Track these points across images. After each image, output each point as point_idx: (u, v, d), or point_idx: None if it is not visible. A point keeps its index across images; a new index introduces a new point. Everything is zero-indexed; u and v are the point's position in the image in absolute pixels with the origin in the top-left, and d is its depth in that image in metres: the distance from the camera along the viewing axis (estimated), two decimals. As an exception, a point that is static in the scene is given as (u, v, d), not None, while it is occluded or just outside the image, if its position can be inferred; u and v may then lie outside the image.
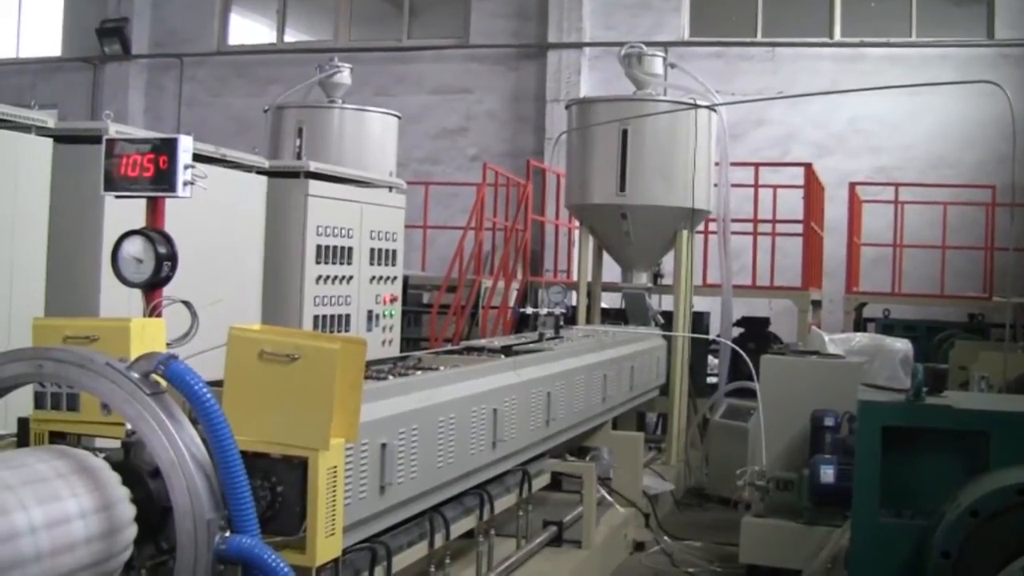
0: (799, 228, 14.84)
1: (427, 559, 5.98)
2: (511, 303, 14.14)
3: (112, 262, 4.82)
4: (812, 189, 15.12)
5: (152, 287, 4.72)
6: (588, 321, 12.33)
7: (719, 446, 11.47)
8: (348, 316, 8.82)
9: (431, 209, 17.08)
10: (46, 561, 3.14)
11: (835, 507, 7.95)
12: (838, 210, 16.77)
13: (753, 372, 9.58)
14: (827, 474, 7.97)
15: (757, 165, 15.24)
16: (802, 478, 8.36)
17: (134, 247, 4.79)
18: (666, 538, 9.61)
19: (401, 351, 9.51)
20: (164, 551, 3.66)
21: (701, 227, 13.35)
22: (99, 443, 3.97)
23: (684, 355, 12.07)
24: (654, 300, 13.01)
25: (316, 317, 8.39)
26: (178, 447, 3.41)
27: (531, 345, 8.37)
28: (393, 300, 9.51)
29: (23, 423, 4.19)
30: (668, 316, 12.54)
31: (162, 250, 4.75)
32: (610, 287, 13.37)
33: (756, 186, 14.98)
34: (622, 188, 11.72)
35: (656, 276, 13.20)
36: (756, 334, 13.93)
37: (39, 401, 4.07)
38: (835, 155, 18.76)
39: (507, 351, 7.75)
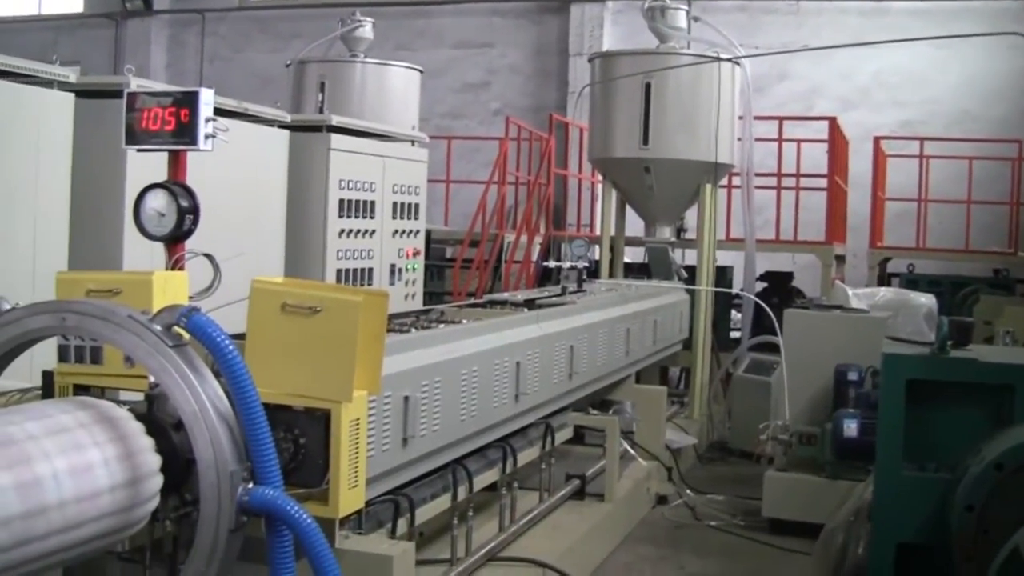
0: (823, 182, 14.75)
1: (450, 511, 5.99)
2: (534, 257, 14.11)
3: (134, 216, 4.82)
4: (836, 143, 15.01)
5: (174, 240, 4.72)
6: (611, 275, 12.30)
7: (742, 400, 11.45)
8: (371, 270, 8.82)
9: (453, 164, 17.02)
10: (70, 508, 3.16)
11: (858, 461, 7.96)
12: (862, 164, 16.66)
13: (776, 326, 9.56)
14: (850, 428, 7.96)
15: (781, 119, 15.12)
16: (825, 432, 8.36)
17: (156, 201, 4.80)
18: (689, 492, 9.62)
19: (424, 305, 9.50)
20: (188, 502, 3.68)
21: (724, 181, 13.29)
22: (122, 396, 3.99)
23: (707, 309, 12.04)
24: (677, 254, 12.98)
25: (339, 271, 8.39)
26: (201, 399, 3.41)
27: (554, 299, 8.37)
28: (416, 254, 9.50)
29: (47, 376, 4.21)
30: (691, 270, 12.51)
31: (184, 203, 4.75)
32: (633, 241, 13.32)
33: (780, 140, 14.88)
34: (645, 142, 11.67)
35: (679, 230, 13.16)
36: (779, 289, 13.88)
37: (63, 354, 4.09)
38: (859, 109, 18.63)
39: (530, 304, 7.75)
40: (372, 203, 8.84)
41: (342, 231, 8.43)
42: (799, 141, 15.27)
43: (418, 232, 9.60)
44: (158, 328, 3.47)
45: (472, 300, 8.80)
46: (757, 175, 13.16)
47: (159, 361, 3.44)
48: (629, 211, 13.05)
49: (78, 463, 3.24)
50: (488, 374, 6.11)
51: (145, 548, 3.85)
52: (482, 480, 6.36)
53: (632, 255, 14.08)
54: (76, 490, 3.19)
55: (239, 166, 7.20)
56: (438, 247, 14.76)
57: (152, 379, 3.75)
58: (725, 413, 12.11)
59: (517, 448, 6.78)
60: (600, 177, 13.57)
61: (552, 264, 10.21)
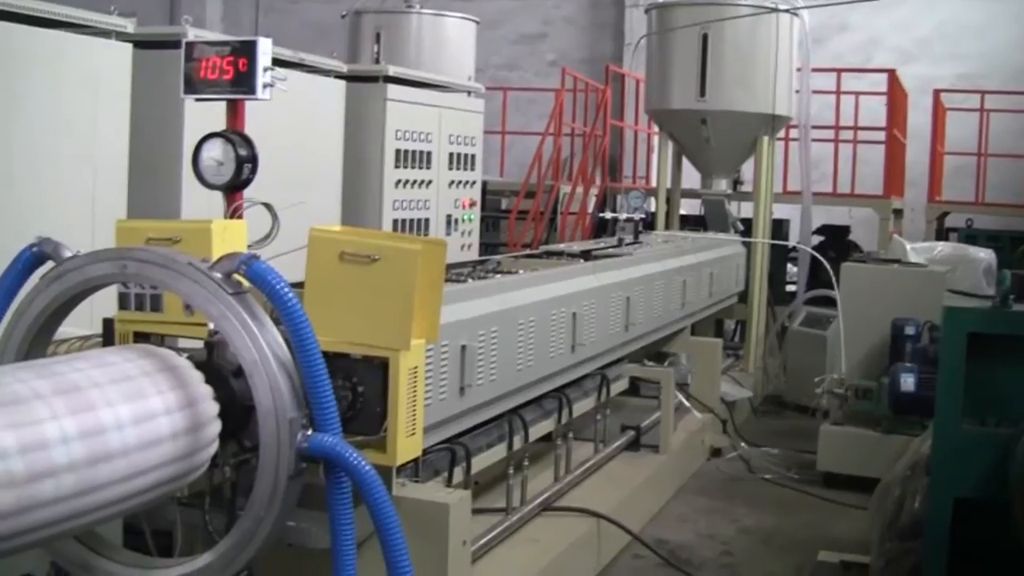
0: (881, 136, 14.59)
1: (505, 461, 6.01)
2: (589, 209, 14.08)
3: (193, 165, 4.84)
4: (895, 96, 14.86)
5: (233, 189, 4.73)
6: (667, 227, 12.26)
7: (797, 354, 11.41)
8: (427, 220, 8.82)
9: (509, 115, 16.98)
10: (134, 455, 3.19)
11: (914, 416, 7.93)
12: (921, 118, 16.49)
13: (833, 280, 9.51)
14: (907, 382, 7.92)
15: (839, 71, 14.97)
16: (881, 386, 8.32)
17: (215, 149, 4.81)
18: (743, 444, 9.61)
19: (479, 256, 9.50)
20: (247, 449, 3.71)
21: (781, 134, 13.18)
22: (182, 343, 4.02)
23: (763, 262, 11.98)
24: (733, 207, 12.92)
25: (395, 221, 8.40)
26: (260, 346, 3.43)
27: (610, 250, 8.35)
28: (472, 205, 9.49)
29: (108, 324, 4.24)
30: (747, 223, 12.44)
31: (242, 152, 4.75)
32: (689, 193, 13.26)
33: (838, 92, 14.74)
34: (702, 93, 11.60)
35: (736, 183, 13.09)
36: (836, 242, 13.78)
37: (123, 302, 4.11)
38: (919, 61, 18.39)
39: (586, 255, 7.74)
40: (428, 153, 8.82)
41: (398, 181, 8.42)
42: (857, 93, 15.13)
43: (474, 183, 9.58)
44: (218, 276, 3.48)
45: (528, 251, 8.79)
46: (814, 128, 13.07)
47: (219, 308, 3.46)
48: (685, 163, 12.98)
49: (141, 411, 3.27)
50: (545, 324, 6.12)
51: (205, 494, 3.88)
52: (538, 430, 6.38)
53: (688, 207, 14.01)
54: (139, 437, 3.22)
55: (295, 116, 7.20)
56: (493, 198, 14.73)
57: (212, 327, 3.77)
58: (780, 366, 12.07)
59: (573, 399, 6.79)
60: (656, 129, 13.51)
61: (608, 215, 10.18)
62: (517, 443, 6.05)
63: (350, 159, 8.19)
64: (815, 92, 13.03)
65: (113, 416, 3.17)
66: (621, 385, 7.92)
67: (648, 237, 10.01)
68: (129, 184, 6.32)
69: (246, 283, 3.53)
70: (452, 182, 9.16)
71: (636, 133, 17.00)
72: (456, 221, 9.23)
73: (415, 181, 8.65)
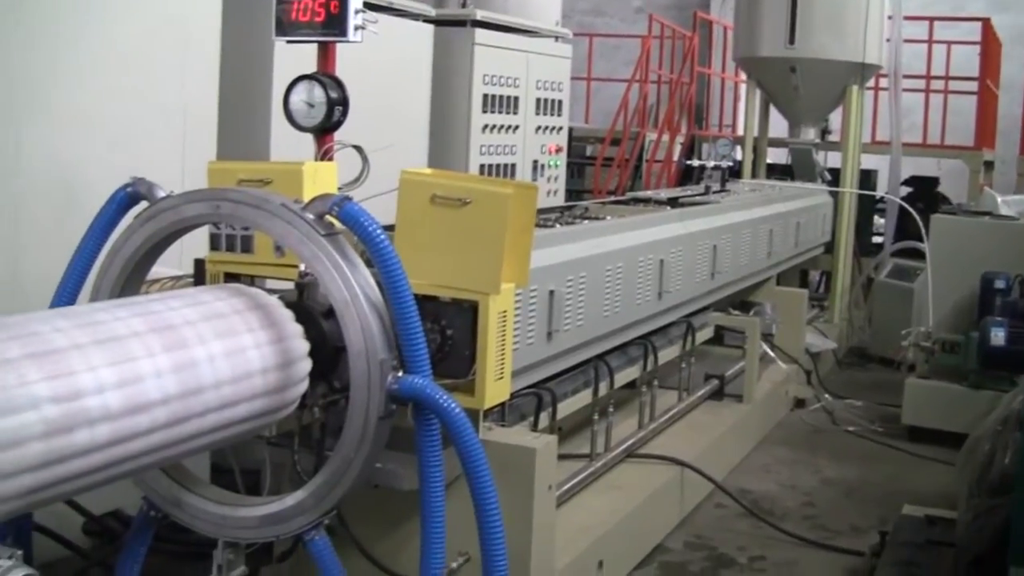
0: (973, 86, 14.36)
1: (591, 407, 6.01)
2: (675, 157, 13.99)
3: (284, 107, 4.84)
4: (988, 45, 14.60)
5: (323, 131, 4.73)
6: (753, 176, 12.14)
7: (883, 306, 11.31)
8: (513, 166, 8.78)
9: (594, 62, 16.88)
10: (225, 388, 3.24)
11: (1003, 370, 7.83)
12: (1014, 68, 16.22)
13: (922, 232, 9.39)
14: (997, 336, 7.82)
15: (931, 19, 14.75)
16: (970, 340, 8.22)
17: (306, 92, 4.81)
18: (827, 396, 9.55)
19: (565, 202, 9.47)
20: (336, 390, 3.73)
21: (871, 83, 12.99)
22: (269, 285, 4.04)
23: (850, 213, 11.84)
24: (820, 156, 12.78)
25: (482, 166, 8.37)
26: (352, 287, 3.44)
27: (697, 198, 8.30)
28: (558, 150, 9.44)
29: (199, 264, 4.28)
30: (835, 173, 12.30)
31: (334, 95, 4.75)
32: (776, 142, 13.11)
33: (930, 41, 14.53)
34: (791, 41, 11.43)
35: (824, 132, 12.95)
36: (924, 194, 13.58)
37: (214, 243, 4.15)
38: (1012, 11, 18.04)
39: (673, 203, 7.70)
40: (516, 99, 8.78)
41: (485, 126, 8.40)
42: (949, 43, 14.90)
43: (561, 129, 9.53)
44: (311, 217, 3.49)
45: (614, 198, 8.74)
46: (905, 77, 12.87)
47: (311, 249, 3.47)
48: (773, 111, 12.84)
49: (232, 346, 3.31)
50: (632, 271, 6.10)
51: (293, 434, 3.91)
52: (623, 377, 6.37)
53: (775, 156, 13.88)
54: (230, 371, 3.27)
55: (384, 60, 7.18)
56: (578, 145, 14.69)
57: (302, 268, 3.79)
58: (865, 318, 11.98)
59: (658, 346, 6.76)
60: (744, 77, 13.37)
61: (695, 163, 10.10)
62: (602, 389, 6.04)
63: (437, 104, 8.17)
64: (906, 41, 12.83)
65: (205, 351, 3.21)
66: (706, 334, 7.88)
67: (735, 185, 9.93)
68: (218, 126, 6.35)
69: (338, 224, 3.54)
70: (539, 128, 9.11)
71: (723, 81, 16.85)
72: (542, 167, 9.19)
73: (502, 126, 8.61)
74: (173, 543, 5.49)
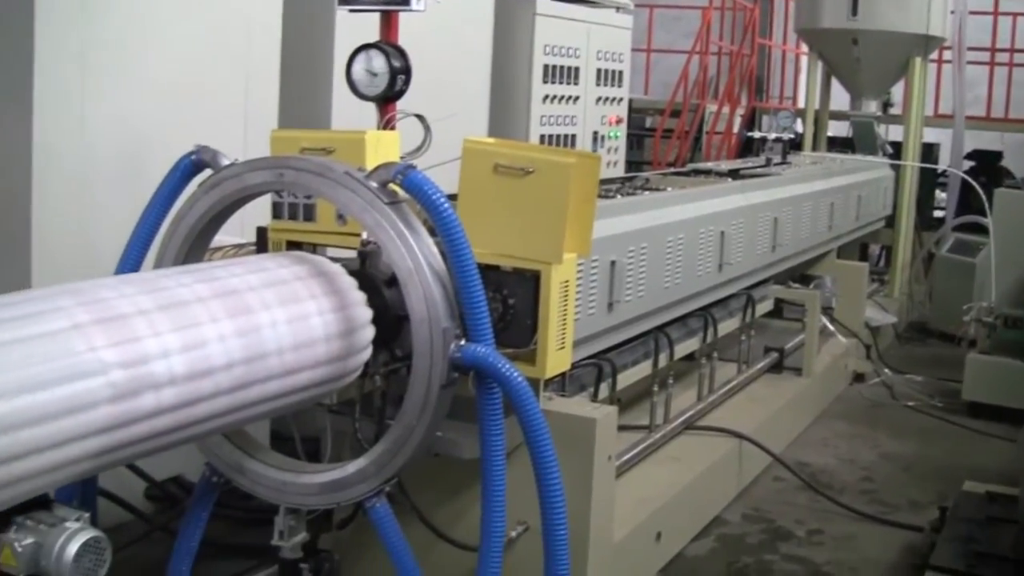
0: (1040, 58, 14.20)
1: (650, 378, 6.00)
2: (735, 129, 13.91)
3: (346, 75, 4.85)
4: (1055, 17, 14.43)
5: (386, 100, 4.74)
6: (814, 148, 12.04)
7: (944, 280, 11.20)
8: (573, 136, 8.76)
9: (654, 33, 16.79)
10: (288, 355, 3.25)
11: (1068, 346, 7.76)
12: (1083, 40, 15.98)
13: (986, 206, 9.29)
14: (1061, 312, 7.74)
15: (997, -10, 14.58)
16: (1033, 316, 8.15)
17: (369, 61, 4.81)
18: (887, 370, 9.48)
19: (624, 173, 9.44)
20: (398, 358, 3.75)
21: (935, 55, 12.85)
22: (329, 253, 4.06)
23: (912, 186, 11.73)
24: (882, 129, 12.65)
25: (542, 136, 8.36)
26: (416, 256, 3.44)
27: (759, 170, 8.25)
28: (618, 122, 9.40)
29: (261, 232, 4.31)
30: (896, 146, 12.18)
31: (396, 64, 4.76)
32: (838, 115, 12.99)
33: (995, 13, 14.35)
34: (854, 12, 11.29)
35: (885, 105, 12.81)
36: (987, 168, 13.41)
37: (276, 211, 4.17)
38: (1081, -20, 17.79)
39: (734, 175, 7.66)
40: (576, 69, 8.75)
41: (546, 97, 8.37)
42: (1015, 14, 14.69)
43: (621, 100, 9.49)
44: (374, 185, 3.50)
45: (675, 169, 8.70)
46: (969, 49, 12.71)
47: (375, 217, 3.48)
48: (835, 84, 12.72)
49: (295, 313, 3.33)
50: (693, 242, 6.07)
51: (354, 402, 3.92)
52: (683, 348, 6.36)
53: (836, 129, 13.77)
54: (294, 338, 3.28)
55: (445, 29, 7.18)
56: (638, 116, 14.63)
57: (364, 236, 3.80)
58: (926, 293, 11.87)
59: (718, 318, 6.74)
60: (805, 48, 13.27)
61: (757, 135, 10.03)
62: (662, 361, 6.03)
63: (498, 74, 8.16)
64: (971, 12, 12.68)
65: (269, 317, 3.23)
66: (766, 306, 7.85)
67: (796, 158, 9.87)
68: (280, 96, 6.37)
69: (401, 193, 3.54)
70: (599, 98, 9.08)
71: (784, 53, 16.72)
72: (602, 138, 9.16)
73: (562, 97, 8.59)
74: (234, 509, 5.56)
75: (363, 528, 4.39)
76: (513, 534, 4.28)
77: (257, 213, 4.17)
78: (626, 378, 5.67)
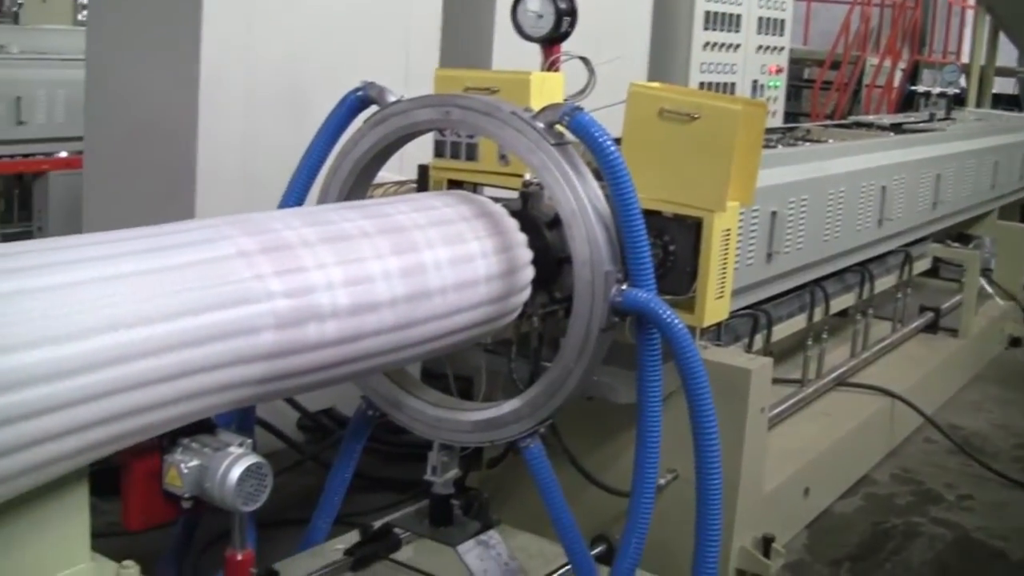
0: None
1: (805, 332, 5.94)
2: (896, 82, 13.63)
3: (512, 16, 4.82)
4: None
5: (551, 42, 4.70)
6: (978, 105, 11.74)
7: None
8: (733, 85, 8.66)
9: (816, -18, 16.53)
10: (451, 294, 3.26)
11: None
12: None
13: None
14: None
15: None
16: None
17: (534, 2, 4.78)
18: (1045, 335, 9.26)
19: (783, 124, 9.32)
20: (556, 300, 3.74)
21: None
22: (487, 193, 4.06)
23: (1080, 147, 11.38)
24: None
25: (701, 84, 8.28)
26: (580, 198, 3.42)
27: (922, 124, 8.08)
28: (779, 71, 9.27)
29: (423, 170, 4.32)
30: (1065, 104, 11.85)
31: (562, 5, 4.70)
32: (1004, 71, 12.66)
33: None
34: (1026, -37, 10.99)
35: (1056, 62, 12.47)
36: None
37: (439, 149, 4.18)
38: None
39: (897, 129, 7.50)
40: (738, 16, 8.64)
41: (706, 44, 8.28)
42: None
43: (782, 49, 9.35)
44: (541, 126, 3.48)
45: (835, 121, 8.56)
46: None
47: (540, 158, 3.46)
48: (1002, 39, 12.38)
49: (459, 253, 3.34)
50: (854, 196, 5.97)
51: (511, 342, 3.93)
52: (838, 304, 6.28)
53: (1001, 86, 13.41)
54: (457, 278, 3.29)
55: (606, -28, 7.13)
56: (796, 67, 14.41)
57: (527, 177, 3.79)
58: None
59: (875, 274, 6.63)
60: (971, 1, 12.93)
61: (920, 89, 9.82)
62: (817, 315, 5.96)
63: (659, 19, 8.08)
64: None
65: (433, 257, 3.24)
66: (923, 265, 7.70)
67: (960, 114, 9.63)
68: (442, 35, 6.39)
69: (567, 134, 3.52)
70: (760, 47, 8.96)
71: (949, 5, 16.31)
72: (761, 87, 9.04)
73: (723, 44, 8.49)
74: (381, 443, 5.64)
75: (509, 469, 4.42)
76: (662, 481, 4.27)
77: (416, 151, 4.18)
78: (780, 331, 5.61)
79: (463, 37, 6.55)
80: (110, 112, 5.70)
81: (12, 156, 8.88)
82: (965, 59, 13.09)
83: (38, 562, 2.59)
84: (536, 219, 3.70)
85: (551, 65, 4.60)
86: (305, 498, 4.54)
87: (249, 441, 2.84)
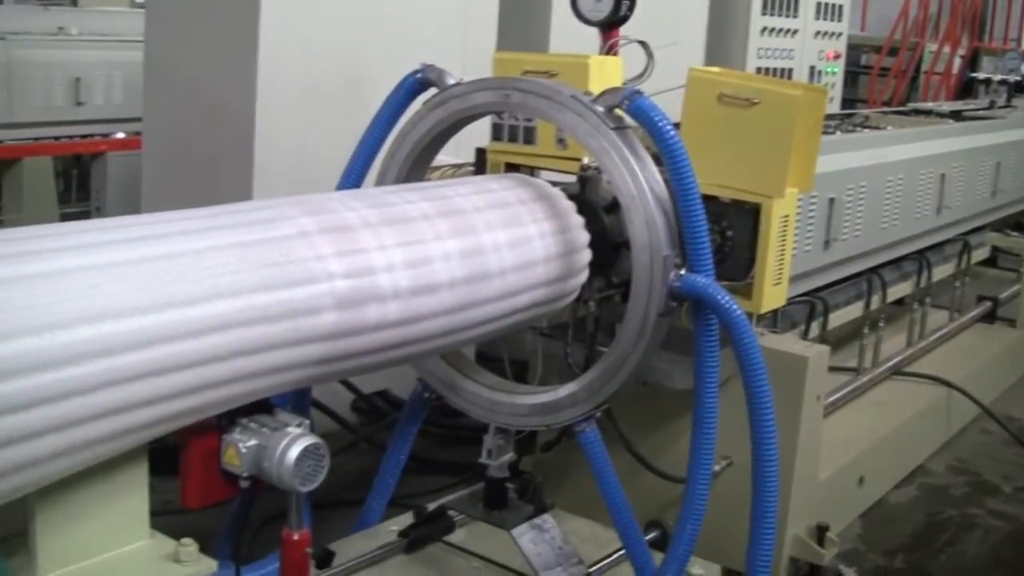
0: None
1: (861, 319, 5.90)
2: (955, 69, 13.51)
3: (571, 0, 4.81)
4: None
5: (610, 26, 4.68)
6: (1039, 92, 11.61)
7: None
8: (790, 70, 8.61)
9: (874, -32, 16.38)
10: (509, 276, 3.26)
11: None
12: None
13: None
14: None
15: None
16: None
17: (595, -13, 4.77)
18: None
19: (840, 110, 9.25)
20: (613, 285, 3.73)
21: None
22: (543, 176, 4.05)
23: None
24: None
25: (758, 69, 8.24)
26: (639, 182, 3.41)
27: (982, 112, 7.99)
28: (836, 57, 9.20)
29: (480, 153, 4.33)
30: None
31: (622, -12, 4.70)
32: (1065, 58, 12.51)
33: None
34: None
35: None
36: None
37: (496, 132, 4.18)
38: None
39: (956, 116, 7.43)
40: (796, 1, 8.59)
41: (764, 29, 8.24)
42: None
43: (840, 35, 9.28)
44: (600, 109, 3.47)
45: (894, 108, 8.49)
46: None
47: (600, 142, 3.45)
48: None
49: (518, 236, 3.34)
50: (912, 183, 5.92)
51: (567, 326, 3.93)
52: (895, 292, 6.21)
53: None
54: (515, 260, 3.29)
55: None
56: (853, 53, 14.30)
57: (586, 161, 3.78)
58: None
59: (933, 263, 6.57)
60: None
61: (980, 76, 9.72)
62: (874, 303, 5.91)
63: (717, 4, 8.05)
64: None
65: (492, 239, 3.24)
66: (982, 254, 7.61)
67: (1021, 101, 9.51)
68: (499, 18, 6.38)
69: (627, 119, 3.51)
70: (818, 32, 8.90)
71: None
72: (819, 73, 8.99)
73: (781, 29, 8.44)
74: (436, 426, 5.65)
75: (563, 453, 4.42)
76: (717, 468, 4.24)
77: (472, 134, 4.17)
78: (837, 318, 5.57)
79: (521, 21, 6.53)
80: (168, 94, 5.73)
81: (71, 137, 8.98)
82: (1026, 46, 12.94)
83: (100, 538, 2.62)
84: (594, 203, 3.70)
85: (609, 49, 4.59)
86: (359, 479, 4.55)
87: (307, 422, 2.85)
